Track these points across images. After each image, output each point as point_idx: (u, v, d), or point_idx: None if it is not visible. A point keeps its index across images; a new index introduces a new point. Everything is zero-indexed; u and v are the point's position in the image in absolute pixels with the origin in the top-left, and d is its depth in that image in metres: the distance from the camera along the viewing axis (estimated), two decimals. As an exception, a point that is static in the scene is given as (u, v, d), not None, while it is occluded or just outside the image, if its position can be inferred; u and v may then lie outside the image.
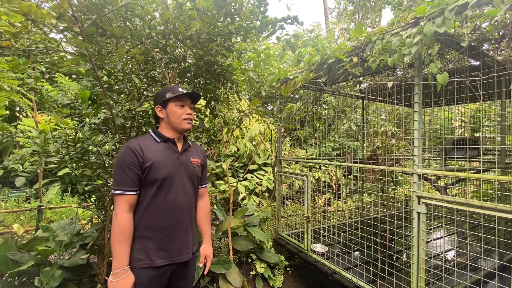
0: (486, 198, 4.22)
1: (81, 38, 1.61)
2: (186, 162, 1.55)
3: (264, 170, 5.91)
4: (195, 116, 2.75)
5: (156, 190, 1.42)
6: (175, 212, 1.48)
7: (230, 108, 3.25)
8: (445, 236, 3.76)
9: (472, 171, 3.23)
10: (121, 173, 1.37)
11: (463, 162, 3.97)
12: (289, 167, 5.89)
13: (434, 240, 3.62)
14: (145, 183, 1.41)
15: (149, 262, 1.39)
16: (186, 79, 2.59)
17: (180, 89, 1.52)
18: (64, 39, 1.88)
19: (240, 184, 5.11)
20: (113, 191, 1.37)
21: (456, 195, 4.59)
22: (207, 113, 2.80)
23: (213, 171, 5.37)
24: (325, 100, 5.92)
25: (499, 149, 3.67)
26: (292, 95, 4.32)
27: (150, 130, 1.58)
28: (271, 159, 5.96)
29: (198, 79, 2.59)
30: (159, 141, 1.50)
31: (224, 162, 2.89)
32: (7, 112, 6.07)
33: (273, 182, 4.97)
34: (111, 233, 1.35)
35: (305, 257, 3.07)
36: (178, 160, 1.51)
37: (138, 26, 2.02)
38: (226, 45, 2.26)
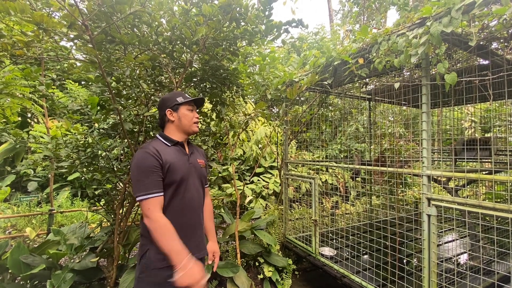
0: (499, 200, 4.11)
1: (91, 46, 1.66)
2: (195, 164, 1.62)
3: (271, 173, 5.89)
4: (201, 119, 2.79)
5: (173, 191, 1.46)
6: (192, 212, 1.54)
7: (236, 111, 3.26)
8: (457, 239, 3.67)
9: (484, 172, 3.16)
10: (146, 178, 1.36)
11: (474, 163, 3.89)
12: (296, 170, 5.87)
13: (445, 243, 3.54)
14: (163, 186, 1.44)
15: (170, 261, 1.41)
16: (192, 84, 2.62)
17: (186, 95, 1.63)
18: (74, 47, 1.94)
19: (247, 187, 5.11)
20: (143, 197, 1.33)
21: (467, 197, 4.48)
22: (213, 116, 2.83)
23: (220, 175, 5.41)
24: (331, 102, 5.89)
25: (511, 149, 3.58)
26: (297, 98, 4.32)
27: (157, 135, 1.61)
28: (277, 162, 5.95)
29: (204, 84, 2.62)
30: (169, 145, 1.55)
31: (230, 165, 2.91)
32: (20, 118, 6.23)
33: (280, 185, 4.95)
34: (156, 237, 1.31)
35: (313, 260, 3.04)
36: (188, 162, 1.57)
37: (145, 32, 2.07)
38: (231, 49, 2.28)
